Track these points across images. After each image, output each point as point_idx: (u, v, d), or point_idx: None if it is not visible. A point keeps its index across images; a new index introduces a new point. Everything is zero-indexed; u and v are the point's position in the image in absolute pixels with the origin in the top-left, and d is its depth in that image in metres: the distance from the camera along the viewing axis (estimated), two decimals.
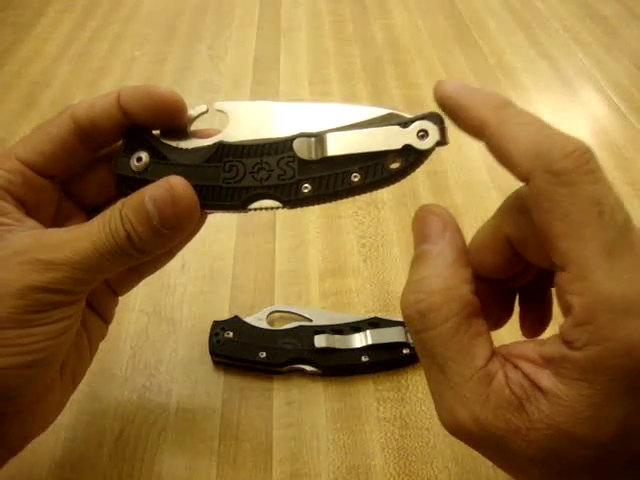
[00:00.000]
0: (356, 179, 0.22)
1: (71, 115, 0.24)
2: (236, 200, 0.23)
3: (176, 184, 0.23)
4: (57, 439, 0.32)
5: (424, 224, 0.21)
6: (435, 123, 0.22)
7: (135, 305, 0.39)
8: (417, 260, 0.21)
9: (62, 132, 0.24)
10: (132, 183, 0.24)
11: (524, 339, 0.21)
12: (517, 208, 0.21)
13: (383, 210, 0.46)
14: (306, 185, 0.23)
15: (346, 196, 0.23)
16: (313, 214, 0.46)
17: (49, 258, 0.22)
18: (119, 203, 0.23)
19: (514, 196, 0.22)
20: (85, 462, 0.32)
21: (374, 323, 0.37)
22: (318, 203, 0.24)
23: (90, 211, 0.27)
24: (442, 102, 0.21)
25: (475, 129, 0.20)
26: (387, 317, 0.37)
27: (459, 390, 0.19)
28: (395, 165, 0.22)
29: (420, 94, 0.59)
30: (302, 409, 0.34)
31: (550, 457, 0.18)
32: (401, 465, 0.32)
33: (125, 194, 0.24)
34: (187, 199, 0.23)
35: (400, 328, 0.36)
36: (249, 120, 0.24)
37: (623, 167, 0.51)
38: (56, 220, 0.26)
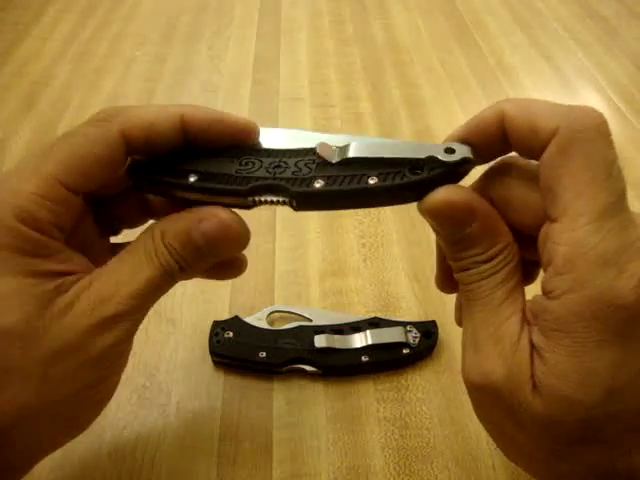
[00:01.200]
0: (372, 181, 0.22)
1: (122, 133, 0.22)
2: (243, 185, 0.22)
3: (227, 220, 0.22)
4: None
5: (449, 213, 0.21)
6: (463, 144, 0.22)
7: None
8: (462, 243, 0.21)
9: (111, 151, 0.22)
10: (146, 167, 0.24)
11: None
12: (503, 171, 0.22)
13: (383, 210, 0.46)
14: (319, 180, 0.22)
15: (362, 200, 0.22)
16: (313, 214, 0.46)
17: (113, 312, 0.21)
18: (157, 230, 0.22)
19: (501, 161, 0.22)
20: (85, 462, 0.32)
21: (374, 323, 0.37)
22: (330, 205, 0.23)
23: (97, 206, 0.26)
24: (461, 137, 0.22)
25: (496, 125, 0.20)
26: (387, 317, 0.37)
27: (496, 328, 0.20)
28: (417, 175, 0.21)
29: (420, 94, 0.59)
30: (302, 409, 0.34)
31: (548, 421, 0.18)
32: (401, 465, 0.32)
33: (136, 177, 0.24)
34: (241, 233, 0.23)
35: (400, 328, 0.36)
36: (278, 141, 0.24)
37: (623, 167, 0.51)
38: (72, 232, 0.25)
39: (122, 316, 0.21)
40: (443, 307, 0.39)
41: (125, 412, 0.34)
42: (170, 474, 0.31)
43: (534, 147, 0.19)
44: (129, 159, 0.24)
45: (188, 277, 0.24)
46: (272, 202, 0.23)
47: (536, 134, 0.19)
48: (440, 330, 0.37)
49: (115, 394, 0.34)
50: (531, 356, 0.19)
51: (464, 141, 0.22)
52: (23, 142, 0.54)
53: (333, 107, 0.58)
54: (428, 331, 0.36)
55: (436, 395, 0.35)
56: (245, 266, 0.28)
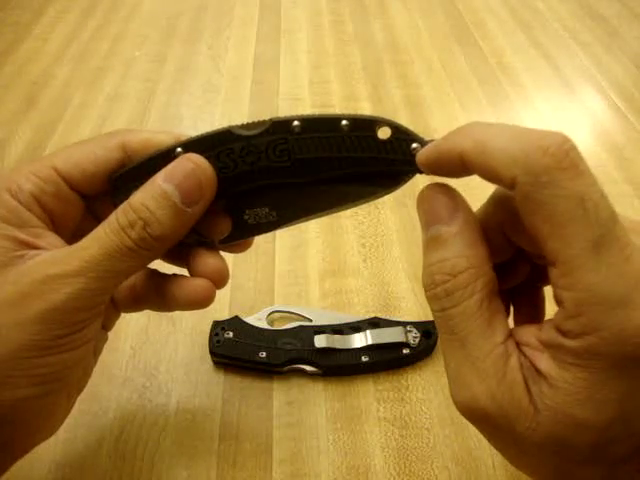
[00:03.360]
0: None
1: (122, 142, 0.24)
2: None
3: (188, 156, 0.23)
4: (57, 439, 0.32)
5: (433, 205, 0.21)
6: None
7: None
8: (434, 242, 0.20)
9: (109, 156, 0.24)
10: (128, 174, 0.24)
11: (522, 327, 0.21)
12: (508, 195, 0.21)
13: (383, 210, 0.46)
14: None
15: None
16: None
17: (59, 271, 0.21)
18: (124, 203, 0.23)
19: None
20: (85, 462, 0.32)
21: (374, 323, 0.37)
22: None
23: (95, 207, 0.27)
24: (427, 164, 0.21)
25: (461, 164, 0.20)
26: (387, 317, 0.37)
27: (479, 364, 0.19)
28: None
29: (420, 94, 0.59)
30: (302, 409, 0.34)
31: (556, 443, 0.18)
32: (401, 465, 0.32)
33: (116, 188, 0.24)
34: (203, 165, 0.23)
35: (400, 328, 0.36)
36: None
37: (623, 167, 0.51)
38: (76, 235, 0.25)
39: (67, 276, 0.21)
40: None
41: (125, 412, 0.34)
42: (170, 474, 0.31)
43: (503, 187, 0.19)
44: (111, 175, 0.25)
45: (159, 242, 0.22)
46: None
47: (498, 180, 0.18)
48: None
49: (115, 394, 0.35)
50: (526, 384, 0.18)
51: (431, 167, 0.21)
52: (23, 142, 0.54)
53: (333, 107, 0.58)
54: (428, 331, 0.36)
55: (436, 395, 0.35)
56: (250, 241, 0.28)
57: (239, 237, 0.26)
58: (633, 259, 0.17)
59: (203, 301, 0.26)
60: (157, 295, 0.26)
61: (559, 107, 0.59)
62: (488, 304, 0.19)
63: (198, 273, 0.26)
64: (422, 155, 0.21)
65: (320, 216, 0.25)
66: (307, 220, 0.25)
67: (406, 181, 0.23)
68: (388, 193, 0.24)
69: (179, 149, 0.24)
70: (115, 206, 0.23)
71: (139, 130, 0.25)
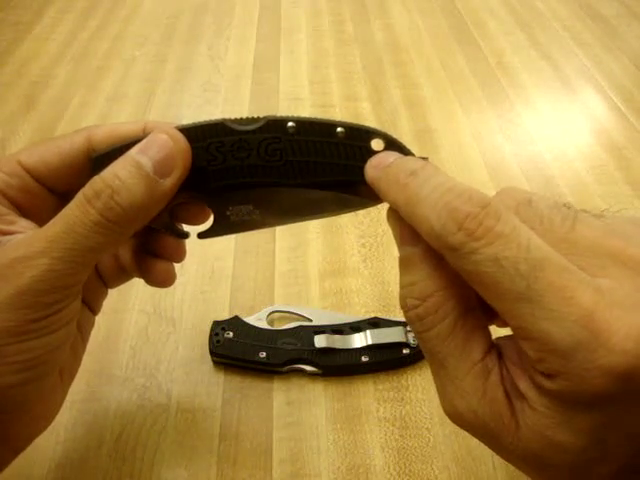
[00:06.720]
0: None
1: (87, 136, 0.24)
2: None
3: (163, 128, 0.22)
4: (57, 439, 0.32)
5: (400, 224, 0.21)
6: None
7: (135, 305, 0.39)
8: (404, 263, 0.21)
9: (73, 149, 0.24)
10: (109, 154, 0.23)
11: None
12: None
13: (383, 210, 0.46)
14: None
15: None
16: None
17: (23, 253, 0.20)
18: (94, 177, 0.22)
19: None
20: (85, 462, 0.32)
21: (374, 323, 0.37)
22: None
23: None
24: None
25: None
26: (387, 317, 0.37)
27: (458, 384, 0.19)
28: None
29: (420, 94, 0.59)
30: (302, 409, 0.34)
31: (536, 460, 0.18)
32: (401, 465, 0.32)
33: (96, 169, 0.23)
34: (177, 136, 0.22)
35: (400, 328, 0.36)
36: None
37: (623, 167, 0.51)
38: None
39: (32, 258, 0.20)
40: None
41: (125, 412, 0.34)
42: (170, 474, 0.31)
43: None
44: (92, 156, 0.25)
45: (128, 214, 0.21)
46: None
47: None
48: None
49: (115, 394, 0.35)
50: (508, 398, 0.19)
51: None
52: (23, 142, 0.54)
53: (333, 107, 0.58)
54: None
55: (436, 395, 0.34)
56: (184, 253, 0.28)
57: (219, 233, 0.26)
58: (576, 298, 0.16)
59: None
60: (142, 271, 0.27)
61: (559, 107, 0.59)
62: (463, 323, 0.19)
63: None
64: (371, 173, 0.22)
65: (303, 220, 0.25)
66: (289, 223, 0.25)
67: None
68: (374, 205, 0.24)
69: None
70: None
71: (106, 124, 0.25)
